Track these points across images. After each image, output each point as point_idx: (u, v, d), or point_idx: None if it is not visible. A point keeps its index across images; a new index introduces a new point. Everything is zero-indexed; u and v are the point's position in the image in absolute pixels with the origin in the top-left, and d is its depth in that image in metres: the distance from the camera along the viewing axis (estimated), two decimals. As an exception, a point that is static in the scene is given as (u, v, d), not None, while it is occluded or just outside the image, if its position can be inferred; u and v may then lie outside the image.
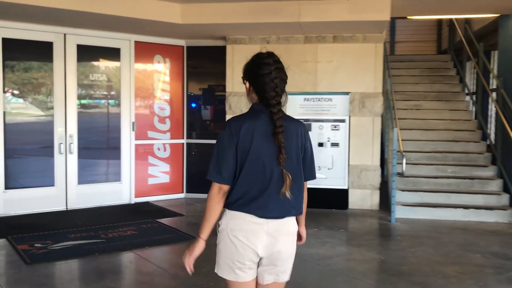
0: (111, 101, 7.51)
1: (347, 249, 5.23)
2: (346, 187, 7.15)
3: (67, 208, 6.89)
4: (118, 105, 7.40)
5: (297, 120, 2.27)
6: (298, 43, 7.25)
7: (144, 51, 7.55)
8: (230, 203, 2.16)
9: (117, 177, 7.41)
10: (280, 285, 2.27)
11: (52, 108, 6.79)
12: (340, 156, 7.12)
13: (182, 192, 8.00)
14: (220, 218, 2.20)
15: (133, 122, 7.42)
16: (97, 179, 7.39)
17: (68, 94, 6.84)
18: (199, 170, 7.91)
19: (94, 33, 7.00)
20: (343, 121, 7.11)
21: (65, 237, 5.44)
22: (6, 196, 6.45)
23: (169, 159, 7.90)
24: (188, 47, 7.96)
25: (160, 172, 7.83)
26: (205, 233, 2.17)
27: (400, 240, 5.58)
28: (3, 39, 6.32)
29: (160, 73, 7.81)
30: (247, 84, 2.23)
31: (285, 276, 2.25)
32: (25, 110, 6.79)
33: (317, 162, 7.07)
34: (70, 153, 6.85)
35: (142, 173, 7.62)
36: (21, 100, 6.77)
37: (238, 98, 7.38)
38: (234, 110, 7.35)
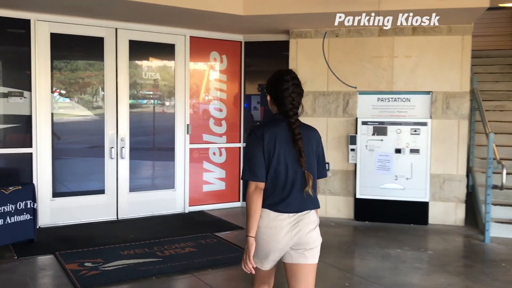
0: (163, 101, 6.93)
1: (446, 279, 4.36)
2: (426, 200, 6.25)
3: (117, 218, 6.35)
4: (172, 106, 6.81)
5: (312, 127, 2.60)
6: (372, 35, 6.42)
7: (199, 47, 6.92)
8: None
9: (170, 184, 6.81)
10: (311, 267, 2.50)
11: (99, 107, 6.28)
12: (420, 164, 6.21)
13: (239, 201, 7.32)
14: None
15: (187, 125, 6.80)
16: (149, 186, 6.85)
17: (120, 94, 6.29)
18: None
19: (147, 28, 6.43)
20: (424, 124, 6.22)
21: (118, 254, 4.86)
22: (54, 204, 5.95)
23: (225, 165, 7.24)
24: (246, 43, 7.28)
25: (216, 179, 7.18)
26: (253, 230, 2.41)
27: (506, 267, 4.67)
28: (52, 34, 5.83)
29: (216, 71, 7.16)
30: (268, 97, 2.56)
31: (314, 259, 2.51)
32: (71, 110, 6.29)
33: (394, 171, 6.27)
34: (122, 158, 6.30)
35: (196, 180, 6.99)
36: (67, 100, 6.28)
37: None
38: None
